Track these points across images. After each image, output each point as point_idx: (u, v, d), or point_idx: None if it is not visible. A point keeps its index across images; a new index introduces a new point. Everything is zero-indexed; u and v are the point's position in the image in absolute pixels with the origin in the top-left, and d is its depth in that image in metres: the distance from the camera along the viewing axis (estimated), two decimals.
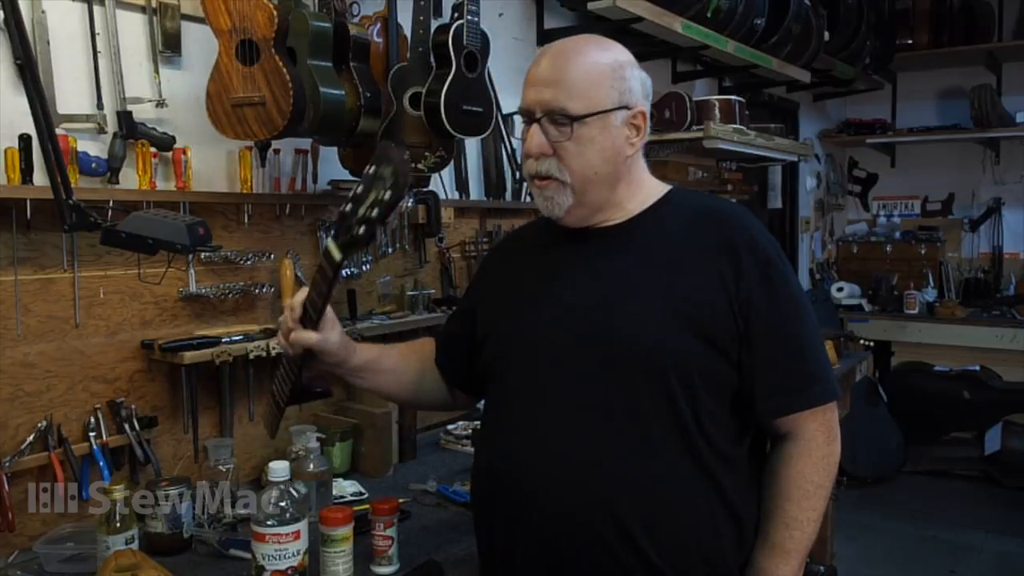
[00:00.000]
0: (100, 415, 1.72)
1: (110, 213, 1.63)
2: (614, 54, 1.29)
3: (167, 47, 1.84)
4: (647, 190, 1.36)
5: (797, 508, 1.28)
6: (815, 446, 1.29)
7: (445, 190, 2.55)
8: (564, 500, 1.24)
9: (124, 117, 1.74)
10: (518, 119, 1.33)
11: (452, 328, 1.55)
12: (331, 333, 1.31)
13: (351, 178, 2.17)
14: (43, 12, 1.64)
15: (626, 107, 1.27)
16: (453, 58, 1.99)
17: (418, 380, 1.51)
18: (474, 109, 2.04)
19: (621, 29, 2.98)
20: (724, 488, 1.26)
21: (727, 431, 1.27)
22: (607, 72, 1.26)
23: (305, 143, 2.10)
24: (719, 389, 1.26)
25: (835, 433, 1.32)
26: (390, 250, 2.34)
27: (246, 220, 1.98)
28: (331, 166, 2.18)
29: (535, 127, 1.28)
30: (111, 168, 1.73)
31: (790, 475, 1.29)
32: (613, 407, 1.24)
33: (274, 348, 1.89)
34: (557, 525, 1.24)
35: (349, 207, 1.12)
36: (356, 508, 1.59)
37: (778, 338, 1.27)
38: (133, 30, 1.80)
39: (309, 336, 1.28)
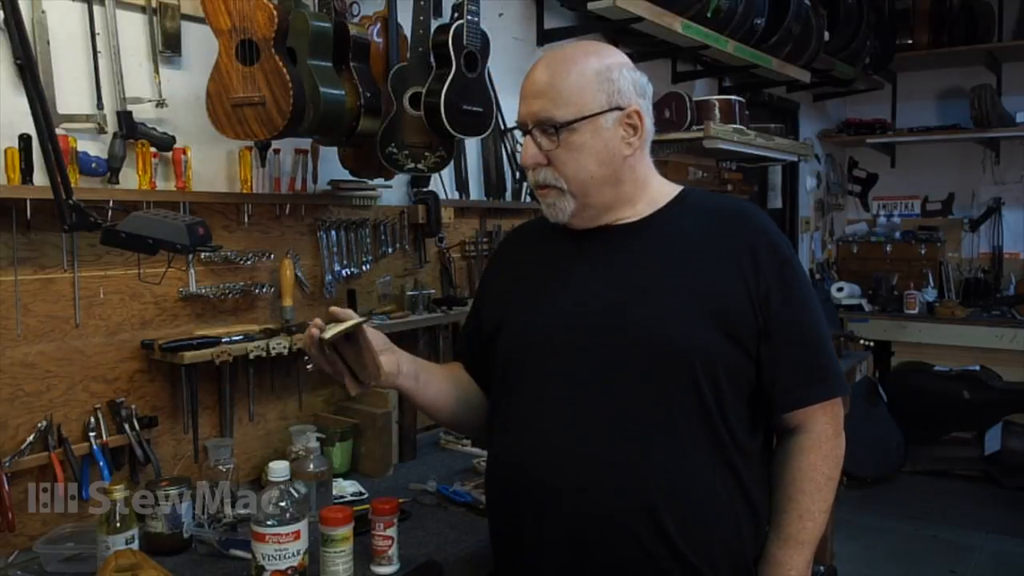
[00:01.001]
0: (100, 415, 1.72)
1: (110, 213, 1.63)
2: (601, 58, 1.30)
3: (167, 47, 1.84)
4: (657, 189, 1.37)
5: (810, 500, 1.31)
6: (824, 439, 1.33)
7: (445, 190, 2.55)
8: (595, 493, 1.25)
9: (124, 117, 1.74)
10: (519, 132, 1.35)
11: (469, 336, 1.54)
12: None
13: (351, 178, 2.17)
14: (43, 12, 1.64)
15: (618, 108, 1.28)
16: (453, 58, 1.99)
17: (455, 394, 1.47)
18: (474, 109, 2.04)
19: (621, 29, 2.98)
20: (744, 480, 1.29)
21: (745, 424, 1.30)
22: (592, 76, 1.27)
23: (305, 143, 2.10)
24: (740, 383, 1.28)
25: (841, 426, 1.36)
26: (390, 250, 2.34)
27: (246, 220, 1.98)
28: (331, 166, 2.18)
29: (528, 139, 1.30)
30: (111, 168, 1.73)
31: (802, 467, 1.32)
32: (641, 401, 1.25)
33: (274, 349, 1.90)
34: (588, 517, 1.25)
35: None
36: (356, 508, 1.58)
37: (795, 334, 1.30)
38: (133, 30, 1.80)
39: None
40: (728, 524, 1.28)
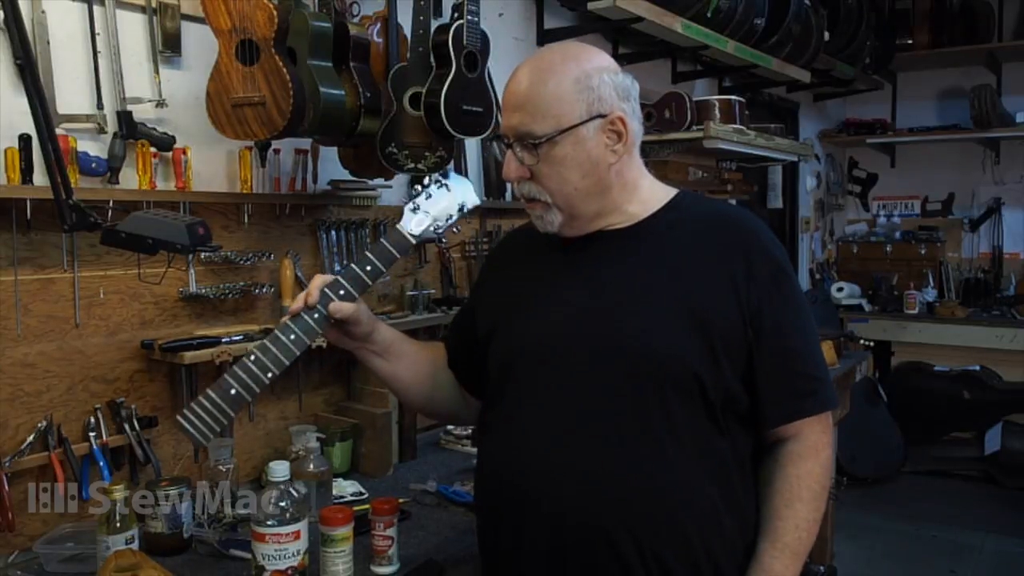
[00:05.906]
0: (100, 415, 1.72)
1: (110, 213, 1.64)
2: (580, 64, 1.25)
3: (167, 47, 1.85)
4: (649, 193, 1.34)
5: (807, 509, 1.28)
6: (820, 447, 1.31)
7: None
8: (571, 503, 1.22)
9: (124, 117, 1.74)
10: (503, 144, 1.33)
11: (458, 329, 1.53)
12: (360, 304, 1.34)
13: (351, 178, 2.17)
14: (43, 12, 1.64)
15: (599, 116, 1.24)
16: (453, 58, 1.99)
17: (433, 376, 1.47)
18: (474, 109, 2.04)
19: (621, 29, 2.98)
20: (730, 492, 1.26)
21: (733, 436, 1.27)
22: (570, 86, 1.23)
23: (305, 143, 2.10)
24: (727, 395, 1.25)
25: (831, 437, 1.35)
26: None
27: (246, 220, 1.98)
28: (331, 166, 2.18)
29: (510, 153, 1.28)
30: (111, 168, 1.73)
31: (800, 475, 1.29)
32: (623, 413, 1.22)
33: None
34: (564, 527, 1.23)
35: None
36: (356, 508, 1.59)
37: (788, 346, 1.28)
38: (133, 30, 1.80)
39: (347, 306, 1.30)
40: (714, 535, 1.24)
